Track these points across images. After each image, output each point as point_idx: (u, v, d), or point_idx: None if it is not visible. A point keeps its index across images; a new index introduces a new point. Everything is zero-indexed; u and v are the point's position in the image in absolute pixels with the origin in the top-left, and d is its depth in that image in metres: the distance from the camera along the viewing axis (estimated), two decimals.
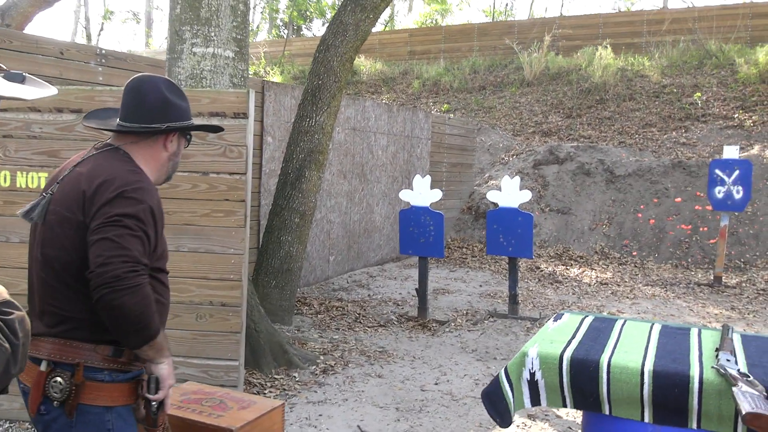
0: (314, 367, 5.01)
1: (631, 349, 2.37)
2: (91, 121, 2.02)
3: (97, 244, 1.68)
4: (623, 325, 2.71)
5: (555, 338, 2.49)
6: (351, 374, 4.93)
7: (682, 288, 8.41)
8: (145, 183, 1.83)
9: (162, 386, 1.83)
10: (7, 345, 1.21)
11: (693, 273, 9.24)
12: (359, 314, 6.66)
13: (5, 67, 1.34)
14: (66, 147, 3.70)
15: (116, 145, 1.92)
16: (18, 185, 3.71)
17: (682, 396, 2.13)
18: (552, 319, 2.82)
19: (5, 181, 3.74)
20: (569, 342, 2.44)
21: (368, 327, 6.27)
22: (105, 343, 1.79)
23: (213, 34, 4.53)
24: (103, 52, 5.55)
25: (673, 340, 2.50)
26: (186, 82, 4.49)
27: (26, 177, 3.72)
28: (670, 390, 2.15)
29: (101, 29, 30.38)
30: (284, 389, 4.54)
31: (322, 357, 5.25)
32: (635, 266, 9.63)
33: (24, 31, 8.53)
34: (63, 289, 1.78)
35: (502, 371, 2.44)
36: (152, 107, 1.90)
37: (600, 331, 2.59)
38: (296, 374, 4.82)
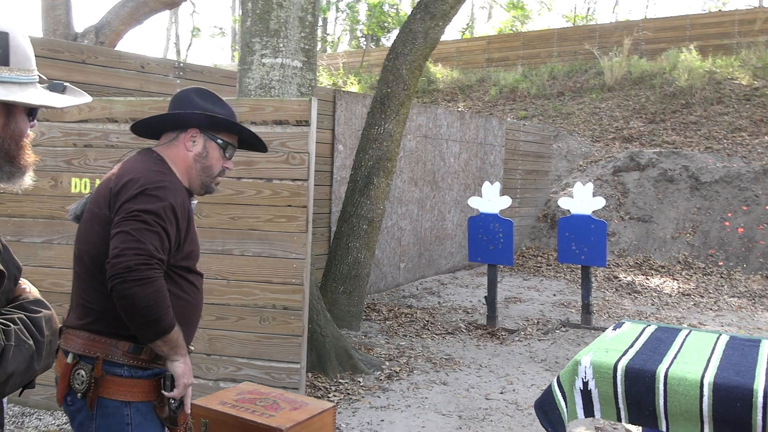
0: (379, 372, 5.03)
1: (692, 360, 2.26)
2: (138, 130, 2.11)
3: (115, 237, 1.74)
4: (687, 335, 2.59)
5: (611, 347, 2.41)
6: (416, 381, 4.92)
7: None
8: (168, 182, 1.87)
9: (177, 384, 1.85)
10: (31, 342, 1.26)
11: None
12: (428, 321, 6.64)
13: (45, 78, 1.44)
14: None
15: (151, 149, 2.00)
16: None
17: (744, 411, 2.01)
18: (611, 327, 2.73)
19: (86, 188, 3.96)
20: (626, 351, 2.35)
21: (436, 334, 6.24)
22: (125, 339, 1.83)
23: (281, 45, 4.65)
24: (181, 65, 5.80)
25: (740, 352, 2.37)
26: (255, 92, 4.63)
27: None
28: (731, 404, 2.03)
29: (190, 45, 31.74)
30: (348, 394, 4.58)
31: (387, 363, 5.26)
32: (721, 277, 9.16)
33: (112, 48, 9.01)
34: (91, 282, 1.85)
35: (554, 380, 2.38)
36: (176, 107, 1.99)
37: (661, 341, 2.48)
38: (361, 379, 4.86)
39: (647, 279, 9.13)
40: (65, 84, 1.56)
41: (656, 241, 10.29)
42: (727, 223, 9.91)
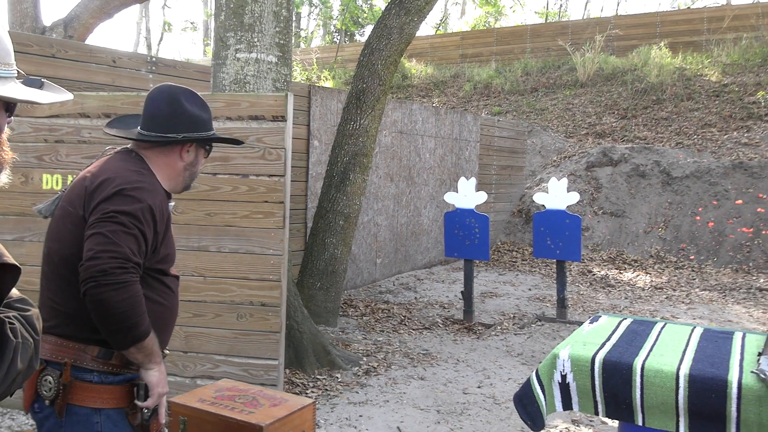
0: (357, 368, 5.03)
1: (668, 353, 2.29)
2: (112, 128, 2.04)
3: (90, 239, 1.68)
4: (662, 327, 2.63)
5: (588, 340, 2.44)
6: (393, 376, 4.93)
7: (742, 293, 8.08)
8: (146, 183, 1.82)
9: (151, 393, 1.80)
10: (31, 340, 1.24)
11: (755, 277, 8.87)
12: (405, 317, 6.65)
13: (23, 73, 1.40)
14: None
15: (131, 148, 1.94)
16: None
17: (719, 402, 2.05)
18: (588, 321, 2.76)
19: (57, 184, 3.89)
20: (603, 344, 2.38)
21: (413, 329, 6.25)
22: (94, 343, 1.77)
23: (256, 39, 4.61)
24: (154, 59, 5.72)
25: (714, 344, 2.41)
26: (230, 87, 4.59)
27: None
28: (706, 395, 2.07)
29: (161, 39, 31.34)
30: (326, 389, 4.57)
31: (365, 358, 5.26)
32: (692, 270, 9.32)
33: (81, 42, 8.85)
34: (60, 282, 1.79)
35: (533, 373, 2.40)
36: (171, 117, 1.91)
37: (637, 334, 2.52)
38: (338, 375, 4.85)
39: (620, 273, 9.26)
40: (42, 80, 1.51)
41: (629, 235, 10.44)
42: (698, 218, 10.08)
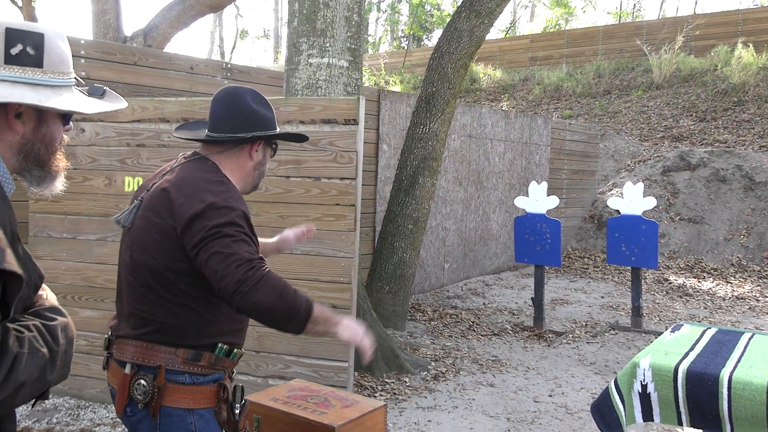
0: (425, 373, 5.00)
1: (757, 365, 2.17)
2: (181, 132, 2.07)
3: (208, 265, 1.70)
4: (750, 338, 2.50)
5: (671, 349, 2.34)
6: (462, 382, 4.88)
7: None
8: (232, 192, 1.85)
9: (352, 345, 1.83)
10: (45, 350, 1.21)
11: None
12: (473, 322, 6.58)
13: (82, 81, 1.43)
14: None
15: (204, 155, 1.95)
16: None
17: None
18: (669, 329, 2.65)
19: (138, 186, 4.03)
20: (686, 354, 2.28)
21: (482, 335, 6.18)
22: (185, 347, 1.81)
23: (328, 44, 4.67)
24: (228, 66, 5.87)
25: None
26: (302, 91, 4.66)
27: None
28: None
29: (234, 47, 32.24)
30: (395, 393, 4.56)
31: (433, 363, 5.23)
32: None
33: (159, 50, 9.17)
34: (147, 292, 1.81)
35: (612, 383, 2.32)
36: (238, 117, 1.93)
37: (723, 344, 2.40)
38: (407, 379, 4.84)
39: (699, 282, 8.89)
40: (104, 88, 1.54)
41: (708, 242, 10.01)
42: None
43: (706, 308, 7.51)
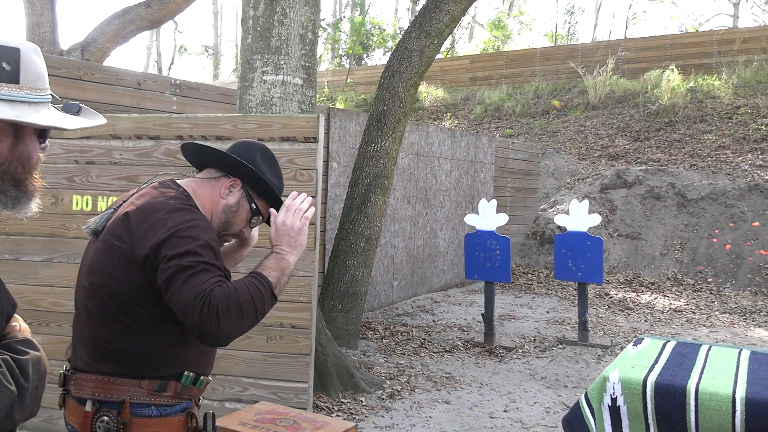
0: (381, 391, 4.98)
1: (720, 376, 2.25)
2: (186, 152, 2.01)
3: (171, 302, 1.63)
4: (708, 350, 2.59)
5: (636, 363, 2.40)
6: (418, 399, 4.87)
7: (763, 316, 8.00)
8: (199, 220, 1.74)
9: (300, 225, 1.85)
10: (13, 388, 1.15)
11: None
12: (424, 339, 6.60)
13: (58, 97, 1.37)
14: (144, 172, 3.83)
15: (177, 182, 1.87)
16: (99, 209, 3.85)
17: None
18: (632, 343, 2.72)
19: (87, 205, 3.89)
20: (652, 367, 2.35)
21: (434, 352, 6.20)
22: (149, 378, 1.72)
23: (283, 62, 4.64)
24: (177, 82, 5.76)
25: (765, 366, 2.37)
26: (256, 109, 4.61)
27: (107, 201, 3.86)
28: (764, 419, 2.03)
29: (171, 63, 31.68)
30: (351, 413, 4.52)
31: (388, 382, 5.21)
32: (711, 293, 9.24)
33: (107, 65, 8.93)
34: (108, 320, 1.72)
35: (583, 396, 2.36)
36: (233, 149, 1.91)
37: (684, 357, 2.48)
38: (363, 398, 4.80)
39: (638, 296, 9.19)
40: (80, 105, 1.48)
41: (645, 257, 10.38)
42: (715, 240, 10.02)
43: (646, 321, 7.76)
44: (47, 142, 1.38)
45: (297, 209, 1.86)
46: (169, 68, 32.06)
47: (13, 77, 1.25)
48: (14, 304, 1.30)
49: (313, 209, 1.89)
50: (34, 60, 1.29)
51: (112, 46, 11.20)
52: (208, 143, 3.88)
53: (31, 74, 1.28)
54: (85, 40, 10.81)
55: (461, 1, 6.09)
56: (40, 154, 1.37)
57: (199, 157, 1.96)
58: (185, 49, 29.58)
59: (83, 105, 1.51)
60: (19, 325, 1.32)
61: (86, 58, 10.39)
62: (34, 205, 1.37)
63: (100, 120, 1.50)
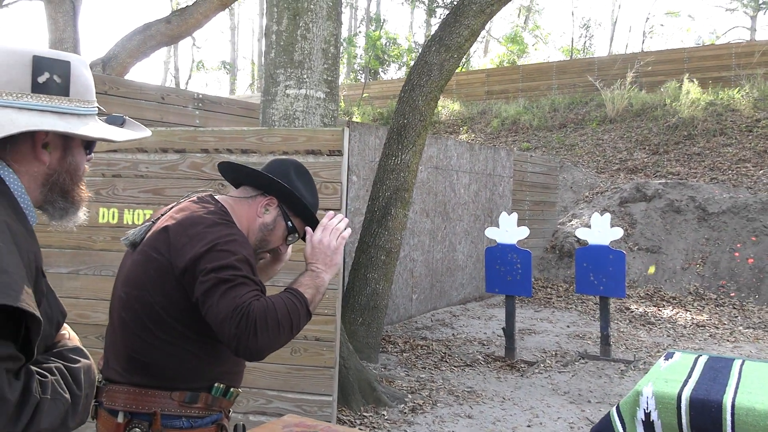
0: (402, 405, 4.95)
1: (756, 390, 2.22)
2: (223, 171, 2.02)
3: (209, 312, 1.63)
4: (742, 365, 2.55)
5: (669, 377, 2.37)
6: (440, 414, 4.84)
7: None
8: (237, 235, 1.75)
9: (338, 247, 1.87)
10: (67, 396, 1.16)
11: None
12: (445, 353, 6.56)
13: (104, 110, 1.39)
14: (170, 185, 3.87)
15: (216, 197, 1.88)
16: (125, 222, 3.89)
17: None
18: (663, 357, 2.69)
19: (113, 218, 3.93)
20: (686, 381, 2.32)
21: (455, 366, 6.16)
22: (181, 390, 1.73)
23: (305, 76, 4.67)
24: (200, 96, 5.82)
25: None
26: (279, 122, 4.64)
27: (133, 214, 3.89)
28: None
29: (189, 78, 32.02)
30: (374, 427, 4.50)
31: (410, 395, 5.18)
32: (734, 308, 9.12)
33: (131, 80, 9.04)
34: (141, 332, 1.73)
35: (614, 410, 2.33)
36: (268, 167, 1.93)
37: (717, 371, 2.45)
38: (384, 412, 4.78)
39: (659, 310, 9.09)
40: (125, 117, 1.51)
41: (666, 272, 10.27)
42: (737, 254, 9.91)
43: (669, 336, 7.67)
44: (92, 154, 1.40)
45: (334, 229, 1.87)
46: (187, 83, 32.41)
47: (64, 90, 1.28)
48: (64, 313, 1.32)
49: (349, 230, 1.90)
50: (83, 73, 1.32)
51: (132, 62, 11.34)
52: (233, 156, 3.92)
53: (80, 87, 1.31)
54: (106, 56, 10.95)
55: (481, 15, 6.11)
56: (86, 166, 1.39)
57: (236, 175, 1.97)
58: (203, 65, 29.87)
59: (127, 117, 1.53)
60: (69, 333, 1.34)
61: (107, 73, 10.53)
62: (82, 215, 1.41)
63: (145, 132, 1.52)
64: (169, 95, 5.52)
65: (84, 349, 1.31)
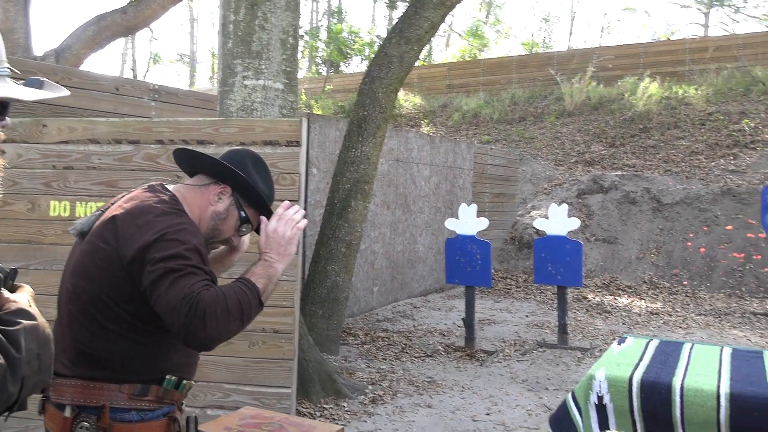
0: (363, 396, 4.96)
1: (704, 372, 2.28)
2: (179, 159, 1.98)
3: (156, 304, 1.60)
4: (691, 348, 2.62)
5: (621, 361, 2.42)
6: (400, 404, 4.86)
7: (737, 318, 8.13)
8: (187, 224, 1.72)
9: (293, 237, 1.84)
10: (1, 360, 1.11)
11: (748, 302, 8.94)
12: (405, 344, 6.59)
13: (18, 72, 1.32)
14: (123, 177, 3.79)
15: (167, 186, 1.85)
16: (77, 215, 3.80)
17: (762, 420, 2.04)
18: (616, 342, 2.75)
19: (65, 210, 3.84)
20: (637, 365, 2.37)
21: (415, 357, 6.19)
22: (131, 382, 1.70)
23: (264, 66, 4.62)
24: (156, 87, 5.71)
25: (747, 363, 2.41)
26: (237, 113, 4.58)
27: (85, 207, 3.81)
28: (748, 414, 2.06)
29: (147, 70, 31.43)
30: (334, 419, 4.49)
31: (370, 387, 5.19)
32: (686, 296, 9.37)
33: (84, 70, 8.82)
34: (89, 323, 1.69)
35: (569, 396, 2.37)
36: (225, 157, 1.89)
37: (668, 354, 2.51)
38: (345, 404, 4.78)
39: (615, 299, 9.28)
40: (43, 79, 1.40)
41: (622, 261, 10.49)
42: (689, 244, 10.17)
43: (624, 324, 7.83)
44: (8, 119, 1.33)
45: (289, 219, 1.84)
46: (145, 76, 31.82)
47: None
48: (5, 271, 1.25)
49: (305, 221, 1.88)
50: None
51: (87, 53, 11.07)
52: (189, 148, 3.86)
53: None
54: (60, 47, 10.67)
55: (441, 7, 6.13)
56: (1, 133, 1.32)
57: (190, 162, 1.93)
58: (159, 58, 29.33)
59: (45, 79, 1.46)
60: (13, 296, 1.26)
61: (61, 64, 10.26)
62: None
63: (62, 92, 1.43)
64: (124, 86, 5.40)
65: (29, 310, 1.23)
